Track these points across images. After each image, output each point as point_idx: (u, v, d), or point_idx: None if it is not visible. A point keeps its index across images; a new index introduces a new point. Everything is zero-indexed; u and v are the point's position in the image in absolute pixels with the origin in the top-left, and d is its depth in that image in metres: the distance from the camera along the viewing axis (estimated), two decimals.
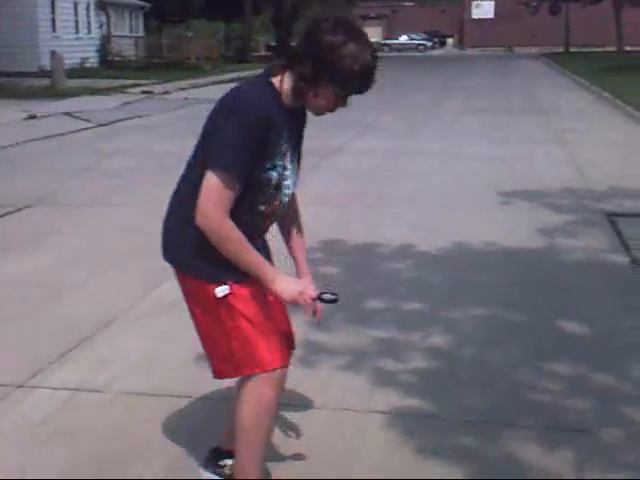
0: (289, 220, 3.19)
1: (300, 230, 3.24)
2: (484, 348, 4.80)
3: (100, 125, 16.03)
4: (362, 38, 2.80)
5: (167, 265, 3.05)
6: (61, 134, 14.66)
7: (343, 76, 2.77)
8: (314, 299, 2.93)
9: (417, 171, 10.60)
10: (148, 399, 4.07)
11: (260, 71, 3.00)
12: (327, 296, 2.96)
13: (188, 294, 3.04)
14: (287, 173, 2.97)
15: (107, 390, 4.21)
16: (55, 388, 4.23)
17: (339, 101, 2.88)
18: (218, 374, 3.07)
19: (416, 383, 4.30)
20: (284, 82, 2.87)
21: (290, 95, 2.88)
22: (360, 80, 2.81)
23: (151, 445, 3.64)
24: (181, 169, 3.02)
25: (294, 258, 3.22)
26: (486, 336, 5.00)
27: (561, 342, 4.88)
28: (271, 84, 2.89)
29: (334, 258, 6.53)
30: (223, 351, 2.96)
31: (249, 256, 2.85)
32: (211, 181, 2.78)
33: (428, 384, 4.30)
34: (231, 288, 2.89)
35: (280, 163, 2.92)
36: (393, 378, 4.35)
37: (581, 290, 5.89)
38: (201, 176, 2.82)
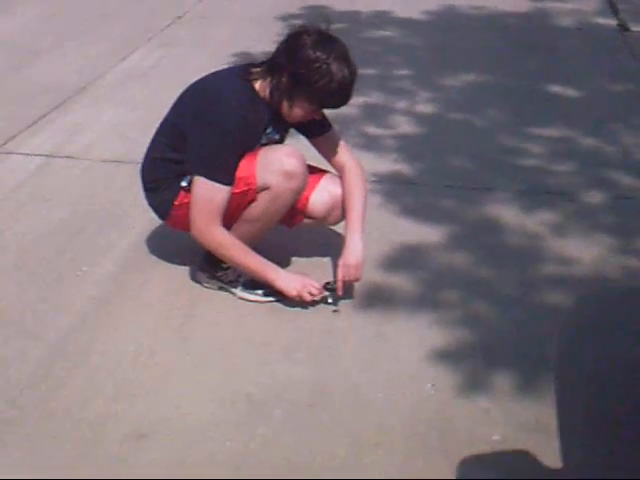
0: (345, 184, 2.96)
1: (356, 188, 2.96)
2: (469, 113, 4.70)
3: None
4: (343, 55, 2.68)
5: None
6: None
7: (320, 94, 2.69)
8: (319, 290, 2.84)
9: None
10: (124, 167, 3.95)
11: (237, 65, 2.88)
12: (332, 285, 2.90)
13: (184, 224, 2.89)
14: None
15: (82, 157, 4.11)
16: (29, 154, 4.12)
17: (315, 113, 2.82)
18: (290, 225, 3.07)
19: (399, 148, 4.23)
20: (263, 88, 2.76)
21: (269, 101, 2.77)
22: (337, 98, 2.72)
23: (128, 212, 3.55)
24: None
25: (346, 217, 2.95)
26: (471, 101, 4.89)
27: (547, 106, 4.78)
28: (250, 83, 2.76)
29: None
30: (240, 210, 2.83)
31: (248, 260, 2.81)
32: (198, 190, 2.73)
33: (411, 149, 4.22)
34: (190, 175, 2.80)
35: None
36: (377, 143, 4.27)
37: (568, 54, 5.72)
38: (168, 159, 2.85)
